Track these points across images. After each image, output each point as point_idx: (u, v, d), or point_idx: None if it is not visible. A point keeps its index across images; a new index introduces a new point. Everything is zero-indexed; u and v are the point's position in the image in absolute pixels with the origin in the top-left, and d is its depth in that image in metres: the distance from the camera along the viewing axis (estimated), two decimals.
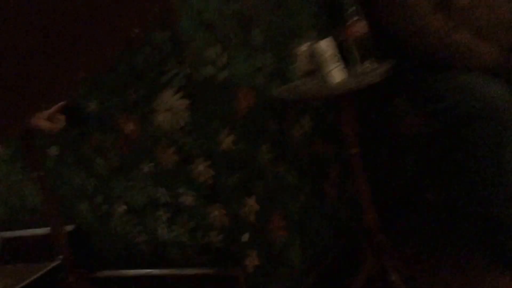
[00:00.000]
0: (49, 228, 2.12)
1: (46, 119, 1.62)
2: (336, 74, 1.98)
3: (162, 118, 1.94)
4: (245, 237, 1.99)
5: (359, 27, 2.03)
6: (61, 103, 1.72)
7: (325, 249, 2.30)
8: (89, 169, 2.12)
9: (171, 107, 1.92)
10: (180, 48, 1.86)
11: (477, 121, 1.87)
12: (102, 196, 2.14)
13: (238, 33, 2.04)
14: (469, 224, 2.12)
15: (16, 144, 2.20)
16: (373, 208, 2.03)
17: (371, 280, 2.07)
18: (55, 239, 2.09)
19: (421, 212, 2.61)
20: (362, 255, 2.10)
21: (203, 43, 1.91)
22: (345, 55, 2.02)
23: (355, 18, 2.03)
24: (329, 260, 2.30)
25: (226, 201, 1.95)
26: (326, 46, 1.99)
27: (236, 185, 1.97)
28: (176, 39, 1.85)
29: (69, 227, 2.19)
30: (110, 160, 2.08)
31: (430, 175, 2.61)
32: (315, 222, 2.28)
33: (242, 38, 2.05)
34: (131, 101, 1.97)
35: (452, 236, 2.33)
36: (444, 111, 1.97)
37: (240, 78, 2.02)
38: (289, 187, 2.17)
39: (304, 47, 2.06)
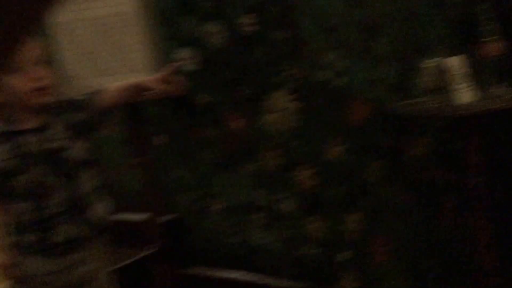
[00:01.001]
0: (146, 215, 2.12)
1: (161, 81, 1.59)
2: (465, 94, 1.80)
3: (272, 118, 1.86)
4: (344, 255, 1.87)
5: (496, 46, 1.84)
6: (175, 64, 1.67)
7: (432, 283, 2.12)
8: (193, 161, 2.09)
9: (281, 108, 1.83)
10: (299, 49, 1.77)
11: None
12: (202, 190, 2.10)
13: (362, 41, 1.91)
14: None
15: (127, 130, 2.22)
16: (492, 247, 1.83)
17: None
18: (151, 228, 2.08)
19: None
20: None
21: (323, 46, 1.81)
22: (477, 75, 1.84)
23: (493, 37, 1.85)
24: None
25: (327, 214, 1.84)
26: (456, 63, 1.83)
27: (341, 199, 1.85)
28: (295, 40, 1.77)
29: (167, 217, 2.17)
30: (215, 155, 2.03)
31: None
32: (423, 252, 2.10)
33: (366, 46, 1.92)
34: (243, 98, 1.91)
35: None
36: None
37: (358, 87, 1.90)
38: (398, 209, 2.02)
39: (432, 62, 1.90)
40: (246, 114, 1.91)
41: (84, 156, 1.51)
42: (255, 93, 1.88)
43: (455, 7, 2.21)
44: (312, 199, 1.84)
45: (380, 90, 1.97)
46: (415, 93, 2.01)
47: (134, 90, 1.64)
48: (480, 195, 1.80)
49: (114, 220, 1.73)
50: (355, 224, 1.89)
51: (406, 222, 2.05)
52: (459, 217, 2.18)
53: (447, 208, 2.17)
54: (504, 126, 2.18)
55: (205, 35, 1.93)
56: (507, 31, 1.83)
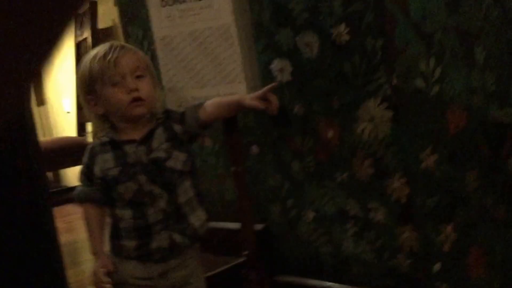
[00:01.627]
0: (240, 224, 2.16)
1: (260, 100, 1.65)
2: None
3: (363, 127, 1.87)
4: (437, 267, 1.82)
5: None
6: (273, 84, 1.75)
7: None
8: (285, 171, 2.12)
9: (373, 117, 1.83)
10: (391, 57, 1.77)
11: None
12: (293, 199, 2.12)
13: (458, 48, 1.89)
14: None
15: (222, 140, 2.28)
16: None
17: None
18: (244, 236, 2.11)
19: None
20: None
21: (417, 54, 1.80)
22: None
23: None
24: None
25: (420, 223, 1.81)
26: None
27: (434, 209, 1.82)
28: (388, 47, 1.77)
29: (259, 226, 2.20)
30: (306, 165, 2.05)
31: None
32: None
33: (462, 53, 1.90)
34: (335, 107, 1.92)
35: None
36: None
37: (453, 96, 1.87)
38: (495, 221, 1.95)
39: None
40: (339, 124, 1.92)
41: (182, 167, 1.56)
42: (349, 102, 1.89)
43: None
44: (405, 208, 1.82)
45: (479, 97, 1.93)
46: None
47: (234, 108, 1.70)
48: None
49: (209, 228, 1.78)
50: (449, 235, 1.85)
51: (503, 234, 1.98)
52: None
53: None
54: None
55: (300, 46, 1.97)
56: None
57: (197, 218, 1.58)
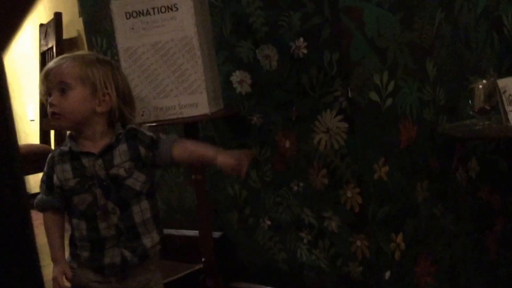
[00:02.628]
0: (198, 232, 2.19)
1: (231, 160, 1.60)
2: None
3: (319, 138, 1.92)
4: (387, 274, 1.88)
5: None
6: (251, 153, 1.71)
7: None
8: (243, 180, 2.16)
9: (329, 128, 1.89)
10: (347, 70, 1.84)
11: None
12: (250, 208, 2.17)
13: (410, 63, 1.96)
14: None
15: None
16: None
17: None
18: (202, 243, 2.15)
19: None
20: None
21: (371, 68, 1.87)
22: None
23: None
24: None
25: (372, 232, 1.86)
26: (506, 84, 1.85)
27: (384, 219, 1.88)
28: (344, 61, 1.84)
29: (217, 234, 2.24)
30: (264, 174, 2.10)
31: None
32: (468, 275, 2.09)
33: (414, 68, 1.97)
34: (292, 118, 1.98)
35: None
36: None
37: (405, 109, 1.94)
38: (443, 231, 2.02)
39: (482, 84, 1.93)
40: (296, 134, 1.98)
41: (140, 188, 1.58)
42: (306, 114, 1.95)
43: (510, 27, 2.23)
44: (358, 218, 1.88)
45: (428, 112, 2.00)
46: (463, 115, 2.04)
47: (205, 162, 1.64)
48: None
49: (168, 235, 1.81)
50: (400, 244, 1.91)
51: (451, 243, 2.05)
52: (506, 239, 2.16)
53: (496, 231, 2.15)
54: None
55: (260, 58, 2.02)
56: None
57: (150, 239, 1.59)
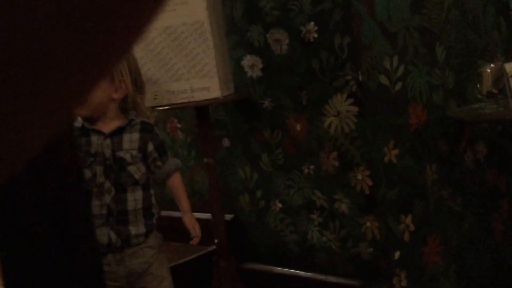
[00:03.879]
0: (210, 214, 2.23)
1: (193, 226, 1.82)
2: None
3: (330, 121, 1.95)
4: (397, 255, 1.92)
5: None
6: (196, 238, 1.84)
7: (482, 286, 2.14)
8: (254, 163, 2.20)
9: (340, 112, 1.92)
10: (357, 54, 1.86)
11: None
12: (262, 190, 2.20)
13: (420, 47, 1.99)
14: None
15: (194, 132, 2.35)
16: None
17: None
18: (214, 225, 2.19)
19: None
20: None
21: (381, 52, 1.90)
22: None
23: None
24: None
25: (381, 214, 1.90)
26: None
27: (394, 200, 1.92)
28: (354, 45, 1.86)
29: (229, 216, 2.28)
30: (275, 157, 2.13)
31: None
32: (475, 255, 2.13)
33: (423, 52, 2.00)
34: (303, 102, 2.01)
35: None
36: None
37: (415, 92, 1.97)
38: (451, 213, 2.06)
39: (490, 68, 1.95)
40: (307, 118, 2.01)
41: (139, 178, 1.65)
42: (316, 97, 1.97)
43: None
44: (367, 199, 1.91)
45: (437, 96, 2.03)
46: (471, 99, 2.07)
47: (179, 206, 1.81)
48: None
49: (181, 218, 1.85)
50: (409, 225, 1.95)
51: (459, 224, 2.09)
52: (511, 220, 2.19)
53: (502, 212, 2.19)
54: None
55: (270, 43, 2.05)
56: None
57: (135, 228, 1.66)
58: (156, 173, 1.70)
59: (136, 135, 1.66)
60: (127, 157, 1.63)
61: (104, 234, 1.64)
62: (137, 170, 1.64)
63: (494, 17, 2.22)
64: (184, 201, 1.80)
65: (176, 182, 1.76)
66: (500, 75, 1.93)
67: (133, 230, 1.66)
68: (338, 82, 1.91)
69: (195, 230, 1.79)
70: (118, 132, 1.65)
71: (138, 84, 1.71)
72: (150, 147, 1.66)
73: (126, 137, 1.65)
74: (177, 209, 1.87)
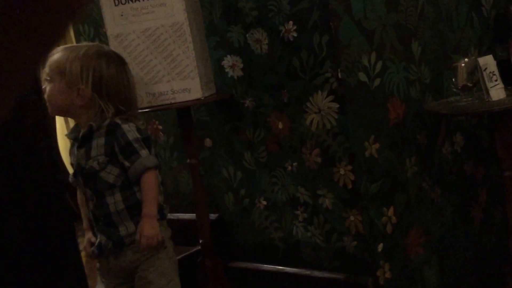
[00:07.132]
0: (195, 215, 2.25)
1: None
2: (495, 92, 1.90)
3: (311, 119, 1.99)
4: (380, 247, 1.97)
5: None
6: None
7: (464, 273, 2.20)
8: (238, 162, 2.22)
9: (320, 109, 1.96)
10: (336, 53, 1.90)
11: None
12: (246, 189, 2.23)
13: (396, 44, 2.04)
14: None
15: (176, 134, 2.37)
16: None
17: None
18: (199, 226, 2.21)
19: None
20: (504, 285, 1.98)
21: (359, 49, 1.94)
22: (506, 74, 1.93)
23: None
24: (467, 286, 2.20)
25: (363, 208, 1.95)
26: (487, 62, 1.93)
27: (376, 194, 1.96)
28: (333, 44, 1.90)
29: (213, 216, 2.30)
30: (258, 155, 2.16)
31: None
32: (456, 244, 2.19)
33: (400, 49, 2.05)
34: (285, 100, 2.04)
35: None
36: None
37: (393, 88, 2.02)
38: (431, 204, 2.11)
39: (464, 62, 2.01)
40: (289, 116, 2.04)
41: (113, 181, 1.66)
42: (297, 95, 2.01)
43: (489, 8, 2.32)
44: (350, 194, 1.95)
45: (414, 90, 2.08)
46: (447, 93, 2.12)
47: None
48: (510, 186, 1.89)
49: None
50: (391, 217, 1.99)
51: (439, 215, 2.15)
52: (489, 209, 2.26)
53: (480, 201, 2.25)
54: None
55: (250, 43, 2.08)
56: None
57: (124, 228, 1.68)
58: (128, 173, 1.66)
59: (102, 140, 1.66)
60: (95, 164, 1.65)
61: (99, 237, 1.71)
62: (108, 175, 1.65)
63: (467, 13, 2.28)
64: (146, 204, 1.65)
65: (143, 183, 1.65)
66: (474, 69, 1.99)
67: (122, 230, 1.68)
68: (318, 80, 1.94)
69: (140, 238, 1.65)
70: (87, 140, 1.67)
71: (122, 99, 1.68)
72: (116, 148, 1.65)
73: (94, 143, 1.67)
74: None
